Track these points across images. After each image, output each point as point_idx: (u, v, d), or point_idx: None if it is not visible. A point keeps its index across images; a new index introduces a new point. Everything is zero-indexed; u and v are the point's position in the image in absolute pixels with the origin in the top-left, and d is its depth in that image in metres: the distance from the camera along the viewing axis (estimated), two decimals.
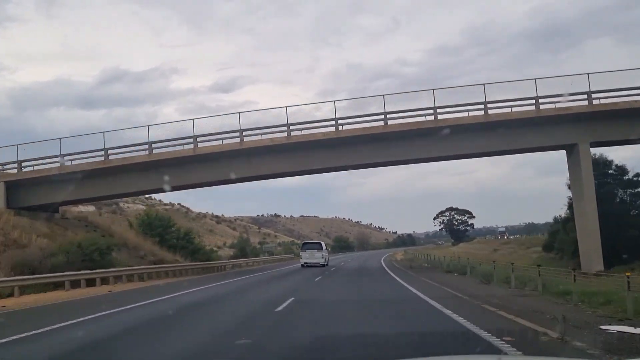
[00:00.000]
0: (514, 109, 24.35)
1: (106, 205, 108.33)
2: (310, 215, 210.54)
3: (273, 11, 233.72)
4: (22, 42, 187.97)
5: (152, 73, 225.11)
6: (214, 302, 14.70)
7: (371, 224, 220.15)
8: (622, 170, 32.81)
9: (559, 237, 34.65)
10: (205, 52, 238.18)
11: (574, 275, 13.07)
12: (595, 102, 23.75)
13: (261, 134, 26.03)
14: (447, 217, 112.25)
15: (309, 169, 28.40)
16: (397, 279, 21.82)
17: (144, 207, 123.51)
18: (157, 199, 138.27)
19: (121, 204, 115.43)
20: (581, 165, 24.01)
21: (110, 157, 26.87)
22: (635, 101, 23.36)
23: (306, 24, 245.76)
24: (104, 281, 22.08)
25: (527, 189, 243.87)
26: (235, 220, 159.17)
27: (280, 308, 11.83)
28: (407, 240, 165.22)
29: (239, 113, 26.09)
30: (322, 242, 45.03)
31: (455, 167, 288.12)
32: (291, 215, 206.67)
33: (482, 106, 24.15)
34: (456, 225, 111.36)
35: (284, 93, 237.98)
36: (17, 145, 27.45)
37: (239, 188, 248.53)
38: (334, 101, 25.69)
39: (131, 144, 27.29)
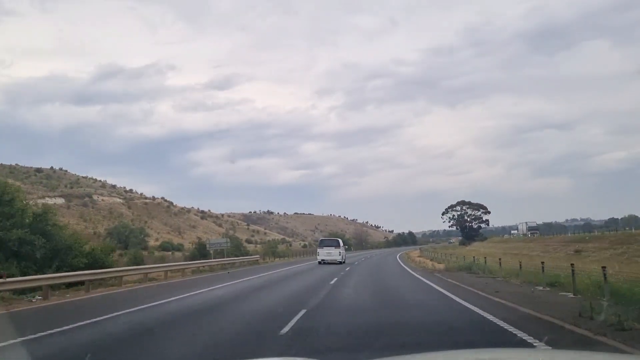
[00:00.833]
0: None
1: (77, 198, 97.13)
2: (305, 213, 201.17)
3: (269, 9, 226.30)
4: (17, 37, 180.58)
5: (148, 69, 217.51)
6: None
7: (367, 222, 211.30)
8: None
9: None
10: (201, 49, 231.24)
11: None
12: None
13: None
14: (458, 212, 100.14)
15: None
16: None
17: (121, 201, 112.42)
18: (139, 192, 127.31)
19: (94, 197, 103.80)
20: None
21: None
22: None
23: (303, 22, 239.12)
24: None
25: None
26: (223, 216, 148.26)
27: None
28: (408, 239, 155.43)
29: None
30: (339, 240, 44.02)
31: (454, 167, 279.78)
32: (285, 213, 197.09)
33: None
34: (468, 222, 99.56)
35: (280, 91, 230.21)
36: None
37: (232, 185, 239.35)
38: None
39: None
